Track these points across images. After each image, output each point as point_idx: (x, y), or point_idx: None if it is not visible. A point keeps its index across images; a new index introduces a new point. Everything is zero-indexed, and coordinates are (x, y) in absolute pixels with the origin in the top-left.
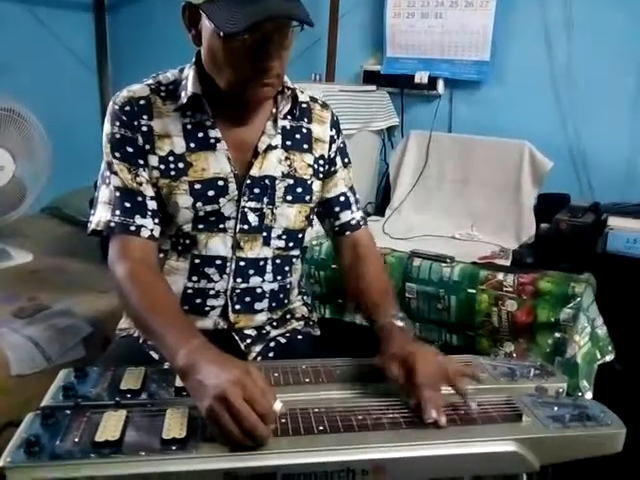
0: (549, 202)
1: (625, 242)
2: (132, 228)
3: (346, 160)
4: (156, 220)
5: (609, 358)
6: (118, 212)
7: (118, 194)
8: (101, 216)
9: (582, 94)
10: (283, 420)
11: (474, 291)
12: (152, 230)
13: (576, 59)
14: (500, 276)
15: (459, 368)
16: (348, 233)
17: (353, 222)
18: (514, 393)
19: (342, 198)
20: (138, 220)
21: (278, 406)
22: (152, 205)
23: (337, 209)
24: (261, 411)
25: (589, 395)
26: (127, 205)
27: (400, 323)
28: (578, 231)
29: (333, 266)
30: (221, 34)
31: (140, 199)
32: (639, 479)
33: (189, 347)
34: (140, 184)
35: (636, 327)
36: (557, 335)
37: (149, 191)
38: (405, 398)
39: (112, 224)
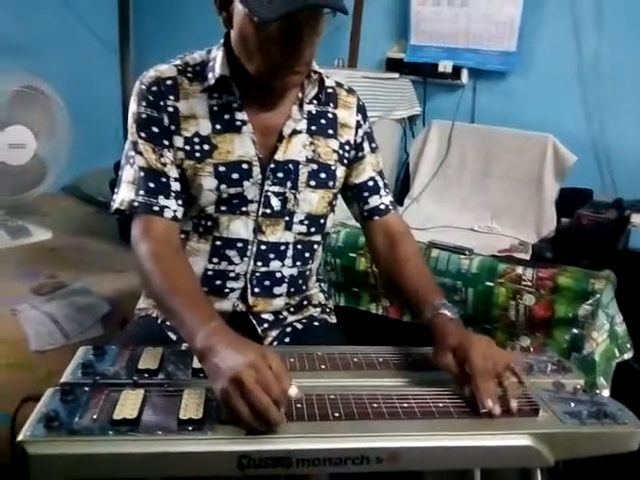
0: (571, 197)
1: None
2: (155, 208)
3: (373, 145)
4: (179, 201)
5: (627, 356)
6: (142, 192)
7: (142, 174)
8: (125, 195)
9: (609, 88)
10: (299, 405)
11: (492, 284)
12: (175, 211)
13: (605, 52)
14: (519, 270)
15: (509, 363)
16: (377, 218)
17: (382, 207)
18: (531, 388)
19: (371, 183)
20: (162, 201)
21: (294, 391)
22: (176, 186)
23: (366, 194)
24: (274, 395)
25: (606, 393)
26: (151, 185)
27: (449, 313)
28: (600, 227)
29: (350, 254)
30: (255, 19)
31: (164, 180)
32: None
33: (208, 330)
34: (164, 165)
35: None
36: (575, 331)
37: (173, 172)
38: (458, 388)
39: (136, 204)
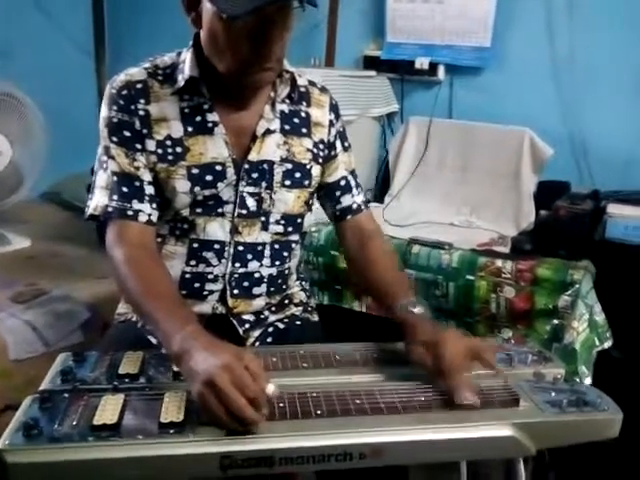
0: (549, 189)
1: (624, 229)
2: (130, 213)
3: (346, 144)
4: (154, 205)
5: (607, 345)
6: (116, 197)
7: (115, 179)
8: (99, 201)
9: (583, 81)
10: (281, 404)
11: (473, 278)
12: (150, 215)
13: (578, 45)
14: (499, 263)
15: (484, 350)
16: (350, 217)
17: (354, 206)
18: (512, 379)
19: (343, 182)
20: (136, 205)
21: (271, 389)
22: (150, 190)
23: (338, 193)
24: (250, 395)
25: (588, 381)
26: (125, 190)
27: (418, 310)
28: (577, 218)
29: (332, 252)
30: (223, 16)
31: (138, 184)
32: (634, 464)
33: (184, 333)
34: (137, 169)
35: (634, 314)
36: (555, 322)
37: (147, 176)
38: (433, 383)
39: (110, 209)
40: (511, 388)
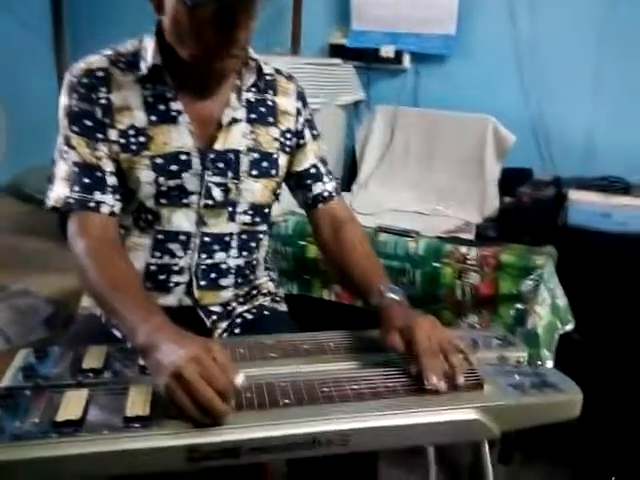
0: (512, 176)
1: (585, 215)
2: (91, 204)
3: (315, 132)
4: (117, 196)
5: (569, 328)
6: (77, 188)
7: (77, 169)
8: (59, 192)
9: (545, 68)
10: (248, 394)
11: (438, 265)
12: (112, 206)
13: (539, 35)
14: (464, 250)
15: (455, 343)
16: (321, 205)
17: (325, 194)
18: (477, 362)
19: (313, 170)
20: (97, 196)
21: (240, 380)
22: (112, 181)
23: (308, 181)
24: (218, 387)
25: (550, 364)
26: (86, 181)
27: (394, 296)
28: (540, 205)
29: (300, 242)
30: (187, 3)
31: (99, 174)
32: (596, 443)
33: (149, 325)
34: (99, 159)
35: (595, 298)
36: (519, 306)
37: (109, 166)
38: (406, 367)
39: (71, 200)
40: (476, 372)
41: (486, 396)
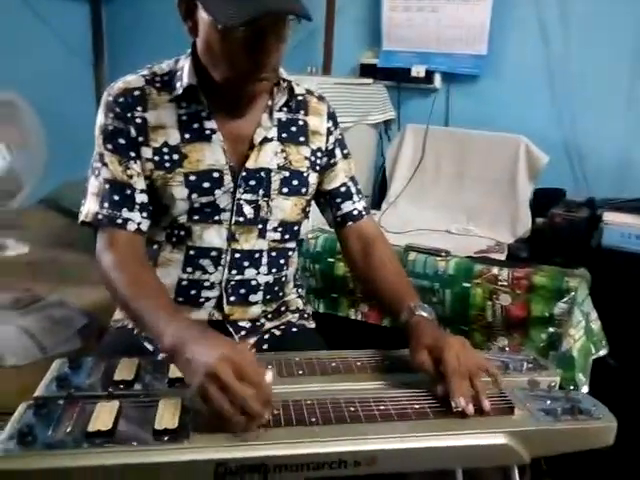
0: (545, 197)
1: (620, 237)
2: (119, 221)
3: (345, 151)
4: (144, 214)
5: (603, 353)
6: (106, 204)
7: (107, 186)
8: (90, 207)
9: (577, 88)
10: (276, 412)
11: (469, 285)
12: (139, 224)
13: (572, 53)
14: (495, 270)
15: (484, 365)
16: (350, 224)
17: (355, 212)
18: (507, 386)
19: (343, 189)
20: (125, 213)
21: (269, 376)
22: (141, 198)
23: (338, 200)
24: (254, 385)
25: (585, 388)
26: (115, 198)
27: (425, 314)
28: (573, 226)
29: (329, 259)
30: (218, 27)
31: (129, 192)
32: (631, 472)
33: (175, 326)
34: (130, 177)
35: (630, 322)
36: (551, 330)
37: (139, 184)
38: (433, 388)
39: (100, 216)
40: (506, 396)
41: (516, 421)
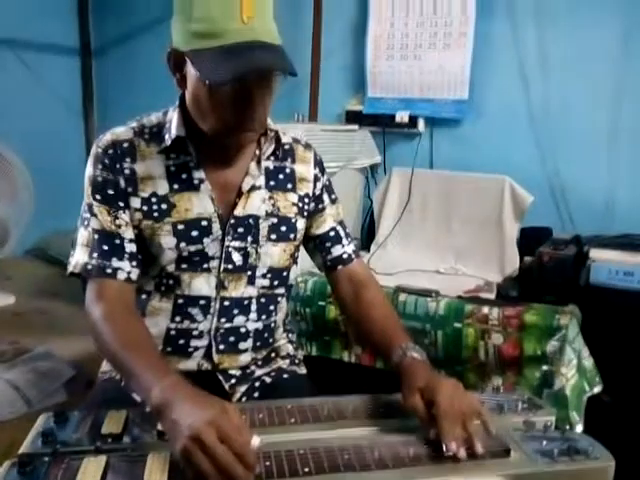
0: (531, 235)
1: (607, 273)
2: (108, 271)
3: (333, 197)
4: (134, 263)
5: (597, 390)
6: (95, 255)
7: (96, 236)
8: (79, 258)
9: (559, 128)
10: (267, 463)
11: (460, 325)
12: (129, 273)
13: (551, 94)
14: (485, 309)
15: (476, 409)
16: (341, 267)
17: (345, 256)
18: (502, 427)
19: (332, 233)
20: (115, 263)
21: (256, 442)
22: (130, 248)
23: (328, 244)
24: (237, 450)
25: (580, 427)
26: (105, 248)
27: (416, 354)
28: (561, 263)
29: (319, 303)
30: (206, 83)
31: (118, 242)
32: None
33: (163, 385)
34: (119, 227)
35: (622, 358)
36: (544, 368)
37: (128, 234)
38: (425, 430)
39: (89, 267)
40: (501, 438)
41: (512, 463)
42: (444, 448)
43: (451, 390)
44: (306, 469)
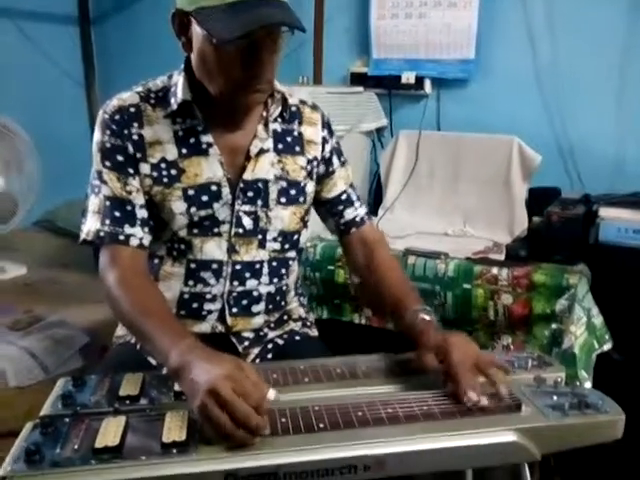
0: (540, 196)
1: (617, 232)
2: (121, 237)
3: (342, 159)
4: (146, 229)
5: (607, 347)
6: (107, 221)
7: (108, 203)
8: (91, 226)
9: (567, 87)
10: (283, 419)
11: (470, 286)
12: (141, 239)
13: (559, 53)
14: (495, 270)
15: (490, 357)
16: (354, 230)
17: (358, 218)
18: (513, 384)
19: (344, 196)
20: (127, 229)
21: (272, 394)
22: (142, 214)
23: (340, 207)
24: (253, 402)
25: (588, 385)
26: (116, 214)
27: (428, 317)
28: (570, 223)
29: (329, 267)
30: (213, 41)
31: (129, 208)
32: (638, 466)
33: (180, 347)
34: (130, 193)
35: (632, 315)
36: (554, 326)
37: (139, 200)
38: (443, 386)
39: (102, 234)
40: (513, 394)
41: (525, 418)
42: (465, 399)
43: (464, 343)
44: (321, 425)
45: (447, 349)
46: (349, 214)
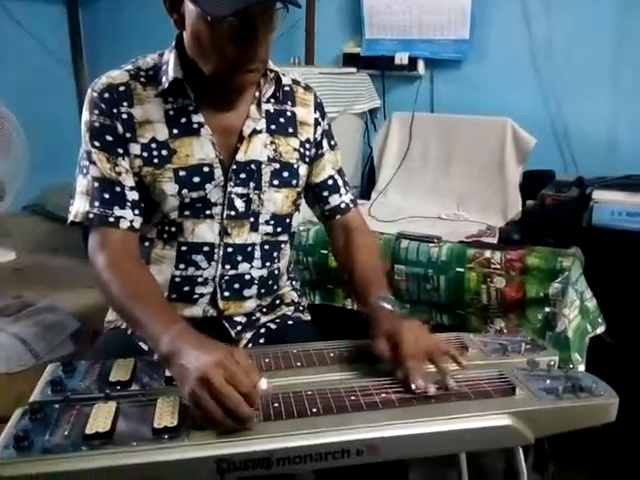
0: (534, 178)
1: (610, 215)
2: (111, 219)
3: (332, 143)
4: (136, 211)
5: (600, 331)
6: (97, 203)
7: (97, 184)
8: (79, 207)
9: (562, 69)
10: (276, 404)
11: (462, 270)
12: (132, 221)
13: (554, 34)
14: (487, 254)
15: (442, 346)
16: (338, 217)
17: (342, 205)
18: (506, 368)
19: (330, 182)
20: (117, 211)
21: (264, 384)
22: (132, 195)
23: (326, 193)
24: (243, 390)
25: (581, 368)
26: (106, 196)
27: (387, 305)
28: (563, 206)
29: (322, 251)
30: (208, 18)
31: (119, 189)
32: (631, 450)
33: (171, 333)
34: (119, 174)
35: (625, 299)
36: (547, 310)
37: (129, 181)
38: (393, 372)
39: (91, 215)
40: (506, 377)
41: (518, 401)
42: (412, 386)
43: (415, 331)
44: (314, 409)
45: (398, 337)
46: (334, 200)
